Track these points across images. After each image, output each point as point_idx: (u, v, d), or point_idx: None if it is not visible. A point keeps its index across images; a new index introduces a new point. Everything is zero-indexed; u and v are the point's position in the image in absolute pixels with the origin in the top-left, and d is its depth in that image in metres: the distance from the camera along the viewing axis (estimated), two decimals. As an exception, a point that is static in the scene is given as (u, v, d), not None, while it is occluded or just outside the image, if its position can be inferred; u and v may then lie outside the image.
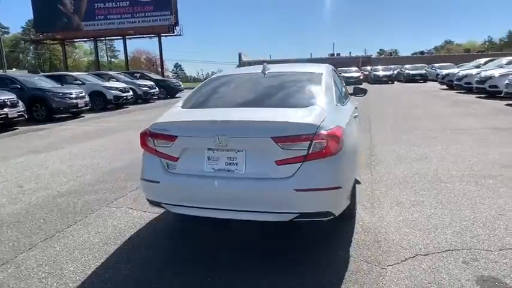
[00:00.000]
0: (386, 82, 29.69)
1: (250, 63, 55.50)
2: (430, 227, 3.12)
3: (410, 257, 2.65)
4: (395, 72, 32.13)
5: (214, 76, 3.95)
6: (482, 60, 19.67)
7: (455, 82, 17.44)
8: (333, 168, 2.53)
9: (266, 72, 3.56)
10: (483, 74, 14.00)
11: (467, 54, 60.30)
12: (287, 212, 2.53)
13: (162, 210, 3.60)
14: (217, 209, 2.66)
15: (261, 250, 2.90)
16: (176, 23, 37.35)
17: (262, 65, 3.72)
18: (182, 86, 24.13)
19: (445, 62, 32.69)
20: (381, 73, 30.71)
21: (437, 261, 2.57)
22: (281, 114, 2.69)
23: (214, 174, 2.64)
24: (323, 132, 2.48)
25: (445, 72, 20.86)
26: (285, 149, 2.48)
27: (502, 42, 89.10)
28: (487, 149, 5.69)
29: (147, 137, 2.88)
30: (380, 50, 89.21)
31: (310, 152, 2.47)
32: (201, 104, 3.25)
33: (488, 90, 13.24)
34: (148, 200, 2.96)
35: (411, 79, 29.66)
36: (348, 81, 21.20)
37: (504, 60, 16.13)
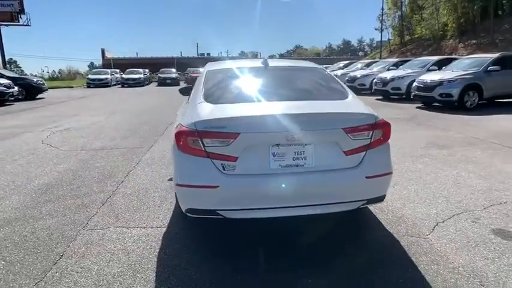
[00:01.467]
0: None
1: (115, 61, 51.15)
2: (424, 200, 3.69)
3: (435, 225, 3.10)
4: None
5: (212, 69, 3.61)
6: (342, 63, 23.35)
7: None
8: (388, 155, 2.74)
9: (268, 66, 3.52)
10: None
11: (318, 58, 70.39)
12: (356, 200, 2.62)
13: (166, 222, 3.18)
14: (283, 207, 2.54)
15: (314, 245, 2.89)
16: (22, 11, 31.33)
17: (262, 59, 3.66)
18: (46, 85, 20.41)
19: None
20: None
21: (456, 224, 3.10)
22: (341, 106, 2.75)
23: (283, 170, 2.51)
24: (380, 121, 2.67)
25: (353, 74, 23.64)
26: (354, 139, 2.56)
27: (339, 48, 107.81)
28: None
29: (191, 137, 2.49)
30: (241, 51, 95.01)
31: (372, 140, 2.62)
32: (236, 98, 2.97)
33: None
34: (194, 210, 2.57)
35: None
36: None
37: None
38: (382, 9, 38.45)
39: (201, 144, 2.48)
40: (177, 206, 3.50)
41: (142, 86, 30.47)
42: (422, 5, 41.09)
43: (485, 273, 2.41)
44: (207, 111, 2.68)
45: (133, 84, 30.13)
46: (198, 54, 62.31)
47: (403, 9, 43.10)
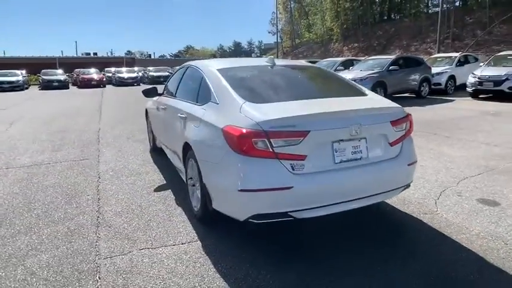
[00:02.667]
0: (131, 84, 28.56)
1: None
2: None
3: (435, 203, 3.56)
4: (140, 74, 31.76)
5: (223, 68, 3.36)
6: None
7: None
8: (413, 144, 3.03)
9: (277, 65, 3.52)
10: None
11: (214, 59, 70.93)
12: (400, 186, 2.84)
13: (192, 235, 2.92)
14: (346, 202, 2.59)
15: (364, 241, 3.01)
16: None
17: (268, 58, 3.62)
18: None
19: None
20: (125, 75, 29.44)
21: (449, 199, 3.61)
22: (378, 101, 2.91)
23: (345, 165, 2.55)
24: (408, 113, 2.94)
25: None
26: (396, 131, 2.77)
27: (230, 50, 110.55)
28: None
29: (258, 138, 2.33)
30: (128, 51, 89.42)
31: (405, 132, 2.87)
32: (277, 97, 2.85)
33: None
34: (262, 215, 2.42)
35: (156, 81, 28.99)
36: None
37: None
38: (277, 14, 40.99)
39: (269, 145, 2.35)
40: (191, 217, 3.24)
41: (22, 89, 25.98)
42: (308, 11, 45.35)
43: (501, 234, 2.90)
44: (265, 110, 2.52)
45: (10, 88, 25.35)
46: (81, 54, 56.17)
47: (293, 14, 46.73)
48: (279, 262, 2.53)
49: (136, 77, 29.98)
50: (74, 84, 29.42)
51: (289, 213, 2.42)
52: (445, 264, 2.51)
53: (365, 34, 30.81)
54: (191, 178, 3.36)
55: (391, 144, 2.76)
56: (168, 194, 3.91)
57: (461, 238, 2.85)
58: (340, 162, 2.54)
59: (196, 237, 2.92)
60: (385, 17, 34.24)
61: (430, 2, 30.85)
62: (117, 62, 45.43)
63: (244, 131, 2.38)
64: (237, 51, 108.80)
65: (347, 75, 12.09)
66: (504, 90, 11.11)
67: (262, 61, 3.67)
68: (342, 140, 2.54)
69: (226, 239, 2.90)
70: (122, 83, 28.42)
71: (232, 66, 3.46)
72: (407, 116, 2.88)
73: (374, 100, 2.99)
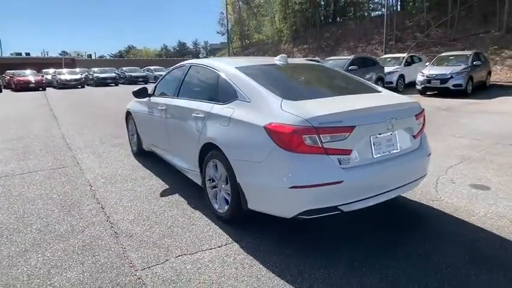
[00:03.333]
0: (75, 86, 26.65)
1: None
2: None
3: (435, 190, 3.84)
4: (84, 75, 29.81)
5: (241, 66, 3.28)
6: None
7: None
8: (426, 137, 3.24)
9: (288, 63, 3.57)
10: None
11: (159, 59, 68.96)
12: (421, 177, 3.03)
13: (226, 237, 2.87)
14: (384, 193, 2.70)
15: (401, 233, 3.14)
16: None
17: (279, 57, 3.64)
18: None
19: (150, 65, 37.62)
20: (67, 77, 27.25)
21: (447, 186, 3.91)
22: (398, 97, 3.06)
23: (382, 157, 2.67)
24: (423, 109, 3.15)
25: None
26: (418, 124, 2.95)
27: (175, 50, 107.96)
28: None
29: (308, 134, 2.35)
30: (62, 51, 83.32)
31: (422, 125, 3.07)
32: (310, 94, 2.87)
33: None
34: (312, 211, 2.44)
35: (102, 83, 28.46)
36: None
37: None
38: (227, 14, 40.86)
39: (319, 141, 2.37)
40: (214, 219, 3.16)
41: None
42: (257, 12, 45.90)
43: (504, 214, 3.22)
44: (308, 107, 2.54)
45: None
46: (10, 54, 51.12)
47: (241, 14, 46.96)
48: (324, 256, 2.57)
49: (80, 78, 28.05)
50: (6, 87, 26.69)
51: (339, 206, 2.47)
52: (471, 243, 2.74)
53: (313, 36, 31.98)
54: (211, 180, 3.27)
55: (415, 137, 2.94)
56: (178, 198, 3.75)
57: (473, 220, 3.12)
58: (379, 155, 2.65)
59: (230, 239, 2.85)
60: (330, 20, 35.83)
61: (370, 6, 32.90)
62: (55, 62, 42.10)
63: (294, 128, 2.37)
64: (182, 51, 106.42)
65: None
66: (449, 88, 12.25)
67: (273, 60, 3.67)
68: (379, 134, 2.65)
69: (262, 238, 2.86)
70: (64, 85, 26.37)
71: (249, 65, 3.41)
72: (423, 111, 3.08)
73: (394, 96, 3.15)
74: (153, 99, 4.57)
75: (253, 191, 2.70)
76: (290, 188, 2.40)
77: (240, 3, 45.17)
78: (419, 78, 13.08)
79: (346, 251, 2.63)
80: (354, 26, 29.74)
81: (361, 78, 3.64)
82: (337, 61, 13.23)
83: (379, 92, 3.27)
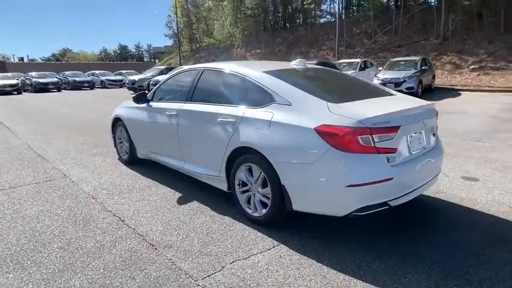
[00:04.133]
0: (10, 93, 24.54)
1: None
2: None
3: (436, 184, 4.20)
4: (19, 80, 27.25)
5: (271, 70, 3.32)
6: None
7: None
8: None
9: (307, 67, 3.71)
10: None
11: (102, 63, 65.57)
12: (439, 173, 3.30)
13: (270, 240, 2.90)
14: (418, 188, 2.90)
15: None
16: None
17: (297, 61, 3.75)
18: None
19: (91, 69, 35.98)
20: (1, 82, 24.84)
21: (443, 180, 4.29)
22: (418, 99, 3.32)
23: (417, 155, 2.87)
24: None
25: (132, 78, 22.62)
26: (436, 124, 3.22)
27: (116, 53, 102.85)
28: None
29: (363, 135, 2.48)
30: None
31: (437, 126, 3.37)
32: (343, 97, 2.97)
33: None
34: (366, 207, 2.56)
35: (42, 88, 26.33)
36: None
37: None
38: (177, 17, 39.99)
39: (371, 141, 2.51)
40: (249, 223, 3.19)
41: None
42: (206, 16, 45.64)
43: (501, 201, 3.61)
44: (356, 109, 2.66)
45: None
46: None
47: (190, 17, 46.33)
48: (371, 250, 2.70)
49: (17, 84, 25.63)
50: None
51: (388, 202, 2.62)
52: (488, 227, 3.05)
53: (266, 41, 32.64)
54: (240, 184, 3.26)
55: (434, 135, 3.21)
56: (198, 205, 3.66)
57: (479, 208, 3.47)
58: (414, 152, 2.85)
59: (275, 242, 2.87)
60: (281, 25, 36.82)
61: (318, 13, 34.44)
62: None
63: (349, 129, 2.48)
64: (123, 55, 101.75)
65: None
66: (403, 90, 13.25)
67: (289, 64, 3.76)
68: (414, 133, 2.86)
69: (306, 238, 2.91)
70: (-3, 90, 23.84)
71: (276, 69, 3.46)
72: (437, 112, 3.38)
73: (413, 98, 3.41)
74: (155, 104, 4.41)
75: (301, 192, 2.75)
76: (346, 186, 2.50)
77: (189, 6, 44.55)
78: (375, 81, 14.01)
79: (388, 245, 2.78)
80: (304, 32, 30.87)
81: (373, 83, 3.88)
82: None
83: (394, 95, 3.51)
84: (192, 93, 3.89)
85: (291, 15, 37.20)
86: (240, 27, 35.50)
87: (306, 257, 2.62)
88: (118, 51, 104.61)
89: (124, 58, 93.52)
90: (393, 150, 2.64)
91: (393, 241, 2.84)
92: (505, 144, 5.97)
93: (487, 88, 14.38)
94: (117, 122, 5.36)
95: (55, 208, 3.68)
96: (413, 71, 13.68)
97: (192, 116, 3.74)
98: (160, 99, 4.42)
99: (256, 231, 3.05)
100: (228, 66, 3.69)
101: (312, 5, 30.74)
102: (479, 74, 15.98)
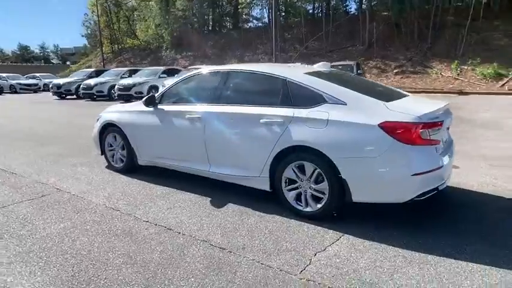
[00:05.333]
0: None
1: None
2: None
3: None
4: None
5: (310, 72, 3.51)
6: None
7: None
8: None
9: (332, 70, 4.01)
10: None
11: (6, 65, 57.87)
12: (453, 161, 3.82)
13: (335, 233, 3.12)
14: (449, 174, 3.33)
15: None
16: None
17: (322, 64, 3.98)
18: None
19: None
20: None
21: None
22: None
23: (446, 146, 3.31)
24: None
25: (57, 82, 20.54)
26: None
27: (15, 55, 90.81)
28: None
29: (424, 129, 2.85)
30: None
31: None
32: (386, 97, 3.25)
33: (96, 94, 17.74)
34: (424, 193, 2.93)
35: None
36: None
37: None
38: (99, 17, 37.11)
39: (428, 134, 2.86)
40: (302, 219, 3.33)
41: None
42: (129, 15, 43.35)
43: (489, 182, 4.28)
44: (411, 107, 3.00)
45: None
46: None
47: (111, 17, 43.49)
48: (439, 235, 2.96)
49: None
50: None
51: (438, 187, 3.00)
52: (494, 202, 3.63)
53: (198, 43, 32.31)
54: (287, 182, 3.37)
55: (448, 129, 3.73)
56: (238, 207, 3.63)
57: (477, 189, 4.00)
58: (443, 144, 3.29)
59: (339, 232, 3.03)
60: (216, 28, 36.82)
61: (248, 18, 35.34)
62: None
63: (413, 124, 2.80)
64: (25, 56, 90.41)
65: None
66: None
67: (315, 67, 3.97)
68: (444, 128, 3.30)
69: (369, 227, 3.09)
70: None
71: (313, 71, 3.66)
72: None
73: (428, 99, 3.89)
74: (168, 107, 4.25)
75: (363, 184, 2.99)
76: (412, 175, 2.81)
77: (109, 4, 41.75)
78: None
79: (449, 233, 2.99)
80: (236, 36, 31.37)
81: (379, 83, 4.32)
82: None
83: (409, 95, 3.97)
84: (219, 96, 3.87)
85: (219, 19, 37.47)
86: (168, 29, 34.50)
87: (376, 242, 2.85)
88: (17, 52, 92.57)
89: (26, 60, 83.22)
90: (438, 142, 3.04)
91: (452, 230, 3.20)
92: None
93: (411, 90, 16.46)
94: (107, 128, 4.98)
95: (80, 223, 3.34)
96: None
97: (225, 118, 3.72)
98: (174, 103, 4.27)
99: (312, 225, 3.19)
100: (261, 68, 3.76)
101: (245, 10, 31.46)
102: (402, 77, 18.19)
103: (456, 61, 17.04)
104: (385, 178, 2.91)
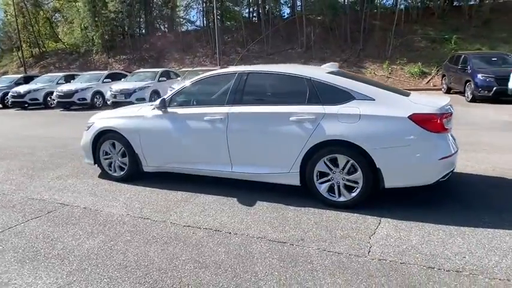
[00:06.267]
0: None
1: None
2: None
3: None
4: None
5: (333, 71, 3.76)
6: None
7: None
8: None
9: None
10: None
11: None
12: None
13: (374, 218, 3.43)
14: None
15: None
16: None
17: (330, 64, 4.27)
18: None
19: None
20: None
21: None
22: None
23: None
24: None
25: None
26: None
27: None
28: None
29: (445, 118, 3.28)
30: None
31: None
32: (399, 93, 3.64)
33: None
34: (445, 175, 3.37)
35: None
36: None
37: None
38: (16, 17, 33.12)
39: (446, 123, 3.31)
40: (336, 209, 3.54)
41: None
42: (51, 17, 39.63)
43: (479, 166, 4.99)
44: (429, 100, 3.44)
45: None
46: None
47: (30, 18, 39.28)
48: (471, 215, 3.45)
49: None
50: None
51: (452, 170, 3.47)
52: (499, 181, 4.23)
53: (132, 46, 30.80)
54: (318, 175, 3.58)
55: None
56: (266, 203, 3.73)
57: (480, 172, 4.60)
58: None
59: (376, 216, 3.32)
60: (142, 32, 35.38)
61: (181, 21, 34.68)
62: None
63: (437, 115, 3.21)
64: None
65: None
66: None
67: (326, 68, 4.22)
68: None
69: (397, 210, 3.41)
70: None
71: (333, 70, 3.95)
72: None
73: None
74: (182, 110, 4.18)
75: (395, 171, 3.33)
76: (439, 159, 3.23)
77: (27, 4, 37.64)
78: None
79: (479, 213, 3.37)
80: (174, 38, 30.64)
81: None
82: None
83: (411, 92, 4.42)
84: (241, 96, 3.92)
85: (153, 21, 36.20)
86: (99, 31, 32.32)
87: (412, 221, 3.20)
88: None
89: None
90: (448, 130, 3.51)
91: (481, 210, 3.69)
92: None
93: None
94: (102, 135, 4.67)
95: (116, 236, 3.16)
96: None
97: (250, 118, 3.80)
98: (187, 105, 4.21)
99: (348, 213, 3.43)
100: (283, 69, 3.92)
101: (180, 13, 30.91)
102: (341, 77, 19.58)
103: (387, 61, 18.89)
104: (416, 163, 3.29)
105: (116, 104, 12.65)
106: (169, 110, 4.23)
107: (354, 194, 3.49)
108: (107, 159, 4.76)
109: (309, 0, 24.91)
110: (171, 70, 16.66)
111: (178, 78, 14.53)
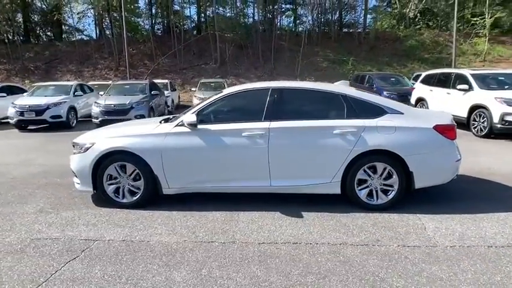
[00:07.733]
0: None
1: None
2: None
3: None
4: None
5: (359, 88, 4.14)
6: None
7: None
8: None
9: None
10: None
11: None
12: None
13: (412, 215, 3.99)
14: None
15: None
16: None
17: (343, 82, 4.73)
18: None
19: None
20: None
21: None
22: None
23: None
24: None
25: None
26: None
27: None
28: None
29: (455, 128, 4.05)
30: None
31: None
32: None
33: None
34: (456, 175, 4.10)
35: None
36: None
37: None
38: None
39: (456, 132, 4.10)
40: (365, 211, 4.04)
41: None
42: None
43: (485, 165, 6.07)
44: (442, 114, 4.13)
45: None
46: None
47: None
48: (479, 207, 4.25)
49: None
50: None
51: (458, 174, 4.26)
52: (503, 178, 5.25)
53: (11, 55, 26.24)
54: (358, 183, 3.97)
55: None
56: (317, 213, 3.91)
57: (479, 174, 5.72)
58: None
59: (412, 214, 3.84)
60: (23, 38, 30.66)
61: (70, 29, 31.36)
62: None
63: (453, 125, 3.95)
64: None
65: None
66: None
67: (337, 85, 4.66)
68: None
69: (422, 207, 3.99)
70: None
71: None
72: None
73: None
74: (215, 126, 4.07)
75: (423, 173, 3.93)
76: (455, 161, 3.96)
77: None
78: (195, 101, 15.34)
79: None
80: (67, 48, 27.47)
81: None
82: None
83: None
84: (278, 112, 4.04)
85: (35, 27, 31.76)
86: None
87: (445, 215, 3.81)
88: None
89: None
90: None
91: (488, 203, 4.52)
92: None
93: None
94: (107, 157, 4.14)
95: (196, 263, 2.91)
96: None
97: (293, 133, 3.97)
98: (219, 121, 4.14)
99: (389, 214, 3.88)
100: (316, 86, 4.22)
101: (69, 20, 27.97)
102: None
103: (298, 79, 20.79)
104: (439, 166, 3.97)
105: (22, 122, 11.34)
106: (200, 127, 4.05)
107: (390, 196, 3.97)
108: (111, 184, 4.20)
109: (219, 17, 25.64)
110: (84, 84, 14.89)
111: (101, 93, 13.17)
